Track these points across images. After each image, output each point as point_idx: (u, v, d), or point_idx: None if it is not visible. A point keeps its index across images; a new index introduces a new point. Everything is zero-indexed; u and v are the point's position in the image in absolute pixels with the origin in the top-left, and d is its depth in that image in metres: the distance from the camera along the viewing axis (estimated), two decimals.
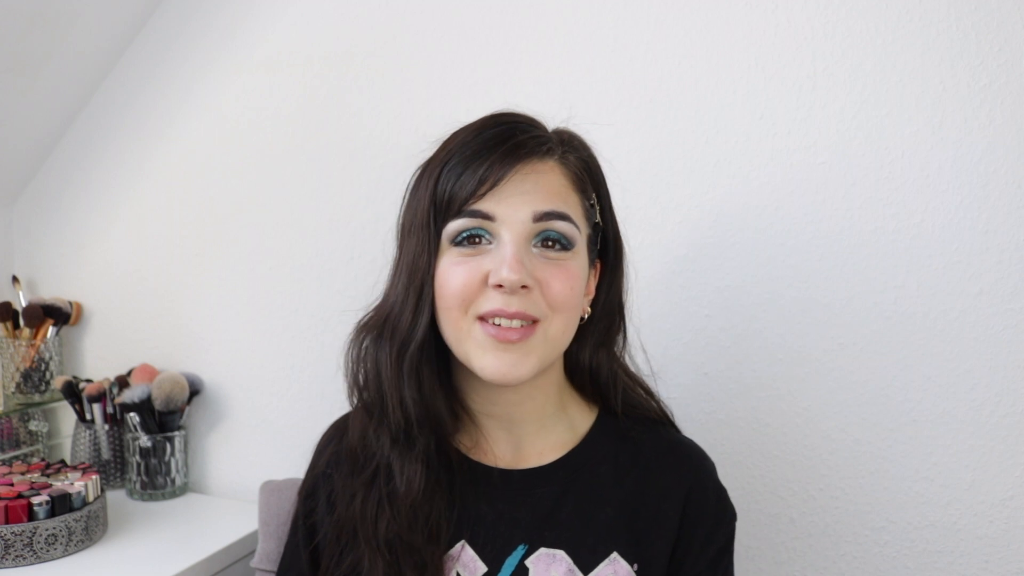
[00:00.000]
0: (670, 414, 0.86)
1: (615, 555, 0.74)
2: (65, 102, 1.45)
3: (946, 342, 0.97)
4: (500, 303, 0.68)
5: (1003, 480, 0.96)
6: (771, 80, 1.03)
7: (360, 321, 0.78)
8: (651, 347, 0.92)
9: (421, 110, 1.22)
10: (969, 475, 0.97)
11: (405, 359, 0.73)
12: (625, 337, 0.83)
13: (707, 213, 1.07)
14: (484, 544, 0.74)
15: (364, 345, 0.77)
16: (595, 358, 0.80)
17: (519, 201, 0.69)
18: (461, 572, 0.73)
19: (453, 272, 0.70)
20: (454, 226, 0.70)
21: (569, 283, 0.70)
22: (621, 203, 1.09)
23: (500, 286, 0.67)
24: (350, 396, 0.80)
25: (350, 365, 0.78)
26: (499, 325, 0.69)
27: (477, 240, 0.70)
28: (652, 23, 1.09)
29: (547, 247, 0.70)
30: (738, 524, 0.83)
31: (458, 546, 0.74)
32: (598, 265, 0.79)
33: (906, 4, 0.96)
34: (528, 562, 0.74)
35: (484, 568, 0.74)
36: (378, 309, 0.77)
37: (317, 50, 1.29)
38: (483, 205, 0.69)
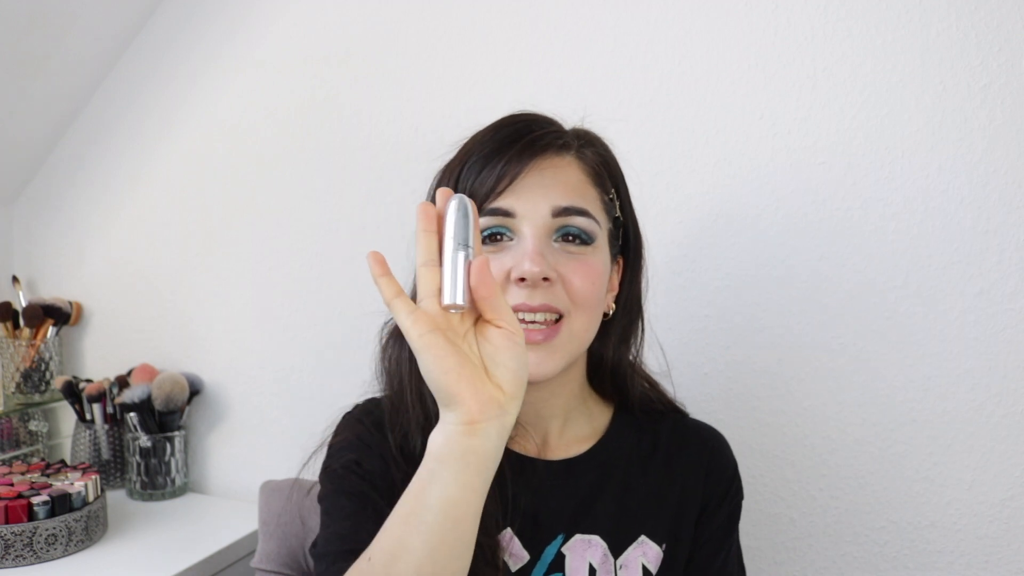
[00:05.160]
0: (674, 399, 0.86)
1: (643, 538, 0.77)
2: (65, 102, 1.45)
3: (946, 342, 0.97)
4: (524, 297, 0.69)
5: (1003, 480, 0.96)
6: (771, 80, 1.03)
7: (386, 321, 0.80)
8: (650, 346, 0.92)
9: (421, 110, 1.22)
10: (969, 475, 0.97)
11: None
12: (643, 334, 0.84)
13: (707, 213, 1.07)
14: (528, 533, 0.76)
15: (387, 344, 0.78)
16: (616, 354, 0.81)
17: (538, 196, 0.70)
18: (507, 560, 0.75)
19: None
20: None
21: (590, 278, 0.71)
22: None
23: (523, 280, 0.68)
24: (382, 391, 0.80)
25: (380, 364, 0.79)
26: (523, 322, 0.69)
27: (499, 238, 0.71)
28: (652, 23, 1.09)
29: (567, 242, 0.71)
30: (739, 524, 0.83)
31: (506, 534, 0.75)
32: (620, 261, 0.80)
33: (906, 4, 0.96)
34: (565, 549, 0.75)
35: (527, 556, 0.75)
36: None
37: (317, 50, 1.29)
38: (503, 202, 0.70)
